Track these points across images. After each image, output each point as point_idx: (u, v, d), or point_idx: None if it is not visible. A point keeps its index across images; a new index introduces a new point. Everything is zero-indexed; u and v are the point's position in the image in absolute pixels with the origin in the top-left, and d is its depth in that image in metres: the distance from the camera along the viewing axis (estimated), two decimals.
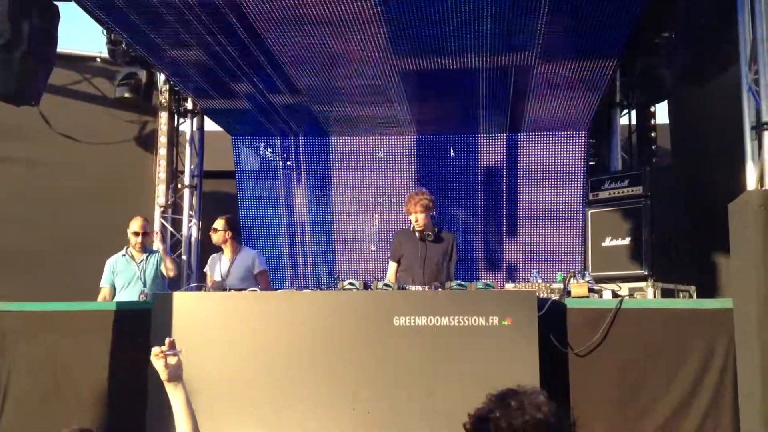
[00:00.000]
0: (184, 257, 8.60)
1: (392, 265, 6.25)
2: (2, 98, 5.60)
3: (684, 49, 6.98)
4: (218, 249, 6.95)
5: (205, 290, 5.74)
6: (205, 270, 7.02)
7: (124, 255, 6.79)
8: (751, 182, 4.72)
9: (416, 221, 6.00)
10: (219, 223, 6.88)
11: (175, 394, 2.79)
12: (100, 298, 6.66)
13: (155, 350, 2.79)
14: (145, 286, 6.62)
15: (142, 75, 8.10)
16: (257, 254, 7.00)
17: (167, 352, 2.79)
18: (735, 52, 5.05)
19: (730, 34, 5.23)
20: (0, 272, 7.62)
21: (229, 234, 6.86)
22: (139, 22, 5.87)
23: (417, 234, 6.01)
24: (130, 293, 6.62)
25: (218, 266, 6.84)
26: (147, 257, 6.80)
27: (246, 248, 7.15)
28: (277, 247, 8.79)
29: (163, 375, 2.78)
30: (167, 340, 2.83)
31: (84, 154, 8.34)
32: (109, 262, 6.80)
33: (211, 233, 6.90)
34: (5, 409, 5.51)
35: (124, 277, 6.71)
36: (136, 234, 6.75)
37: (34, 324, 5.62)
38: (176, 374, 2.79)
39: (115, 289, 6.75)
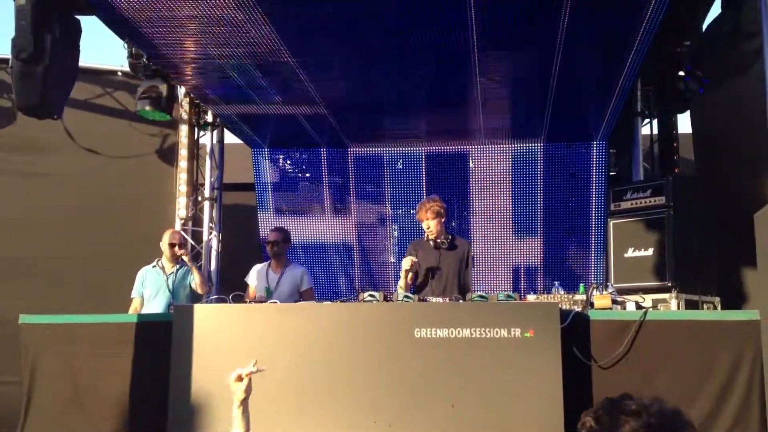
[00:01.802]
0: (204, 269, 8.61)
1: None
2: (25, 111, 5.64)
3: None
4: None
5: (246, 302, 5.67)
6: (246, 280, 6.94)
7: (155, 266, 6.86)
8: None
9: (428, 228, 5.96)
10: (278, 236, 6.87)
11: (245, 413, 3.15)
12: (131, 310, 6.72)
13: (247, 370, 3.16)
14: (173, 297, 6.65)
15: (163, 88, 8.14)
16: (305, 271, 6.97)
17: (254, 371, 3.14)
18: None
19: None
20: (22, 284, 7.68)
21: (287, 246, 6.88)
22: (159, 35, 5.91)
23: (431, 242, 5.98)
24: (157, 304, 6.67)
25: (265, 279, 6.77)
26: (178, 270, 6.84)
27: (294, 263, 7.13)
28: (296, 259, 8.78)
29: (241, 395, 3.15)
30: (253, 363, 3.18)
31: (106, 167, 8.40)
32: (140, 273, 6.87)
33: (269, 246, 6.85)
34: (28, 419, 5.53)
35: (152, 288, 6.77)
36: (172, 245, 6.82)
37: (56, 336, 5.66)
38: (248, 396, 3.16)
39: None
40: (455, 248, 6.01)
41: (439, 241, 5.97)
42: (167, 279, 6.77)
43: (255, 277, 6.89)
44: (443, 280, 5.88)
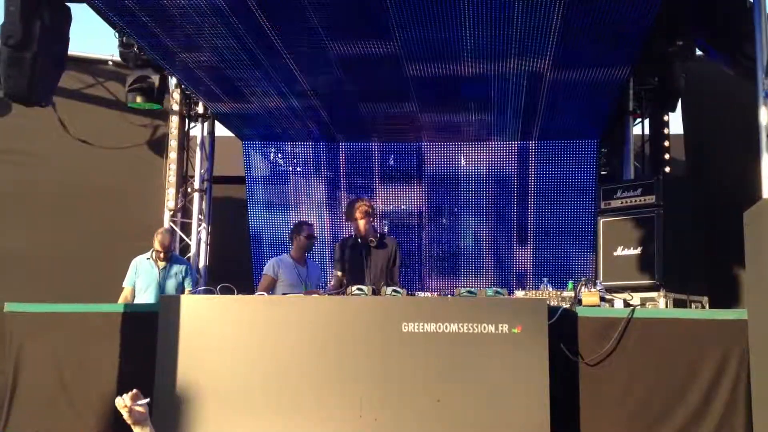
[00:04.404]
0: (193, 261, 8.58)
1: (336, 275, 6.31)
2: (13, 98, 5.59)
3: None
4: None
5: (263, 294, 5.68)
6: (268, 273, 6.73)
7: (149, 258, 6.84)
8: (766, 190, 4.66)
9: (357, 228, 6.06)
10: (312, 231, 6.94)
11: None
12: (121, 299, 6.71)
13: (119, 402, 2.90)
14: (163, 292, 6.62)
15: (154, 79, 8.09)
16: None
17: (132, 405, 2.88)
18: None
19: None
20: (11, 274, 7.63)
21: None
22: (150, 25, 5.87)
23: (359, 241, 6.08)
24: (147, 297, 6.65)
25: (295, 273, 6.71)
26: (170, 266, 6.81)
27: (309, 259, 7.15)
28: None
29: (128, 420, 2.91)
30: (131, 393, 2.92)
31: (96, 157, 8.35)
32: (134, 263, 6.87)
33: (311, 241, 6.86)
34: (12, 409, 5.49)
35: (144, 280, 6.76)
36: (158, 252, 6.86)
37: (41, 325, 5.61)
38: (141, 419, 2.92)
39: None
40: (384, 247, 6.17)
41: (368, 239, 6.09)
42: (159, 273, 6.76)
43: (279, 270, 6.72)
44: (372, 278, 5.98)
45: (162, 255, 6.83)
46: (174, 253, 7.20)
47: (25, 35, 5.22)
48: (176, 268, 6.88)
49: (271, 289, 6.50)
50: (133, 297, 6.74)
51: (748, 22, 5.03)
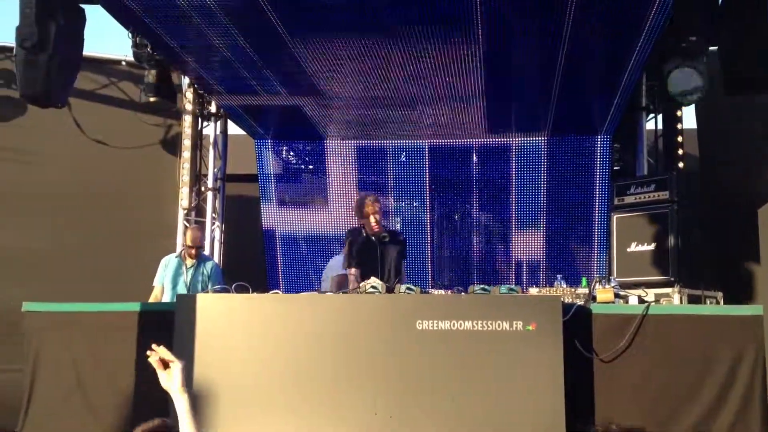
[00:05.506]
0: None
1: (351, 272, 6.15)
2: (29, 100, 5.66)
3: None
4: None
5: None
6: (330, 275, 6.88)
7: (178, 256, 6.88)
8: None
9: (370, 224, 6.07)
10: None
11: (183, 398, 2.86)
12: (151, 298, 6.76)
13: (172, 359, 2.90)
14: (189, 291, 6.67)
15: (167, 78, 8.13)
16: None
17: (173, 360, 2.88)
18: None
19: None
20: (28, 273, 7.70)
21: None
22: (163, 25, 5.91)
23: (374, 238, 6.08)
24: (174, 296, 6.68)
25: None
26: (198, 264, 6.86)
27: None
28: (299, 251, 8.79)
29: (179, 381, 2.87)
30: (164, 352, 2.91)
31: (110, 157, 8.40)
32: (163, 261, 6.92)
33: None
34: (30, 408, 5.53)
35: (171, 278, 6.78)
36: (190, 248, 6.89)
37: (58, 324, 5.63)
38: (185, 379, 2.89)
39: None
40: (395, 241, 6.19)
41: (381, 235, 6.09)
42: (186, 272, 6.80)
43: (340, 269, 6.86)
44: (386, 272, 5.97)
45: (193, 252, 6.87)
46: (202, 252, 7.24)
47: (40, 37, 5.27)
48: (204, 267, 6.93)
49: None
50: (163, 295, 6.79)
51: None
